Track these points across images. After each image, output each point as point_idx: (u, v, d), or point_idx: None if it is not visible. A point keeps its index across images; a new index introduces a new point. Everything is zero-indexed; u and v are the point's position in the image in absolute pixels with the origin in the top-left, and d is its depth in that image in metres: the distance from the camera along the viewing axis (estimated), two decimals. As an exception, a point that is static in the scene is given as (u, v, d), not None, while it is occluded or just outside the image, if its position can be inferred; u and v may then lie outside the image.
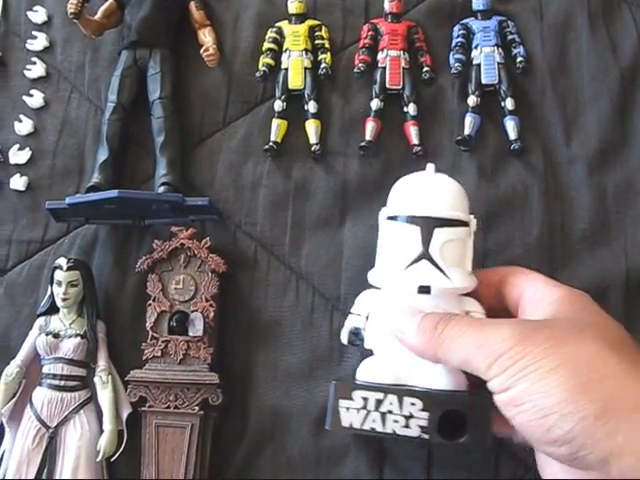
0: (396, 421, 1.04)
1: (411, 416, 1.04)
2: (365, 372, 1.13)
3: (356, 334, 1.18)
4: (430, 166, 1.18)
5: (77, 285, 1.34)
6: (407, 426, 1.04)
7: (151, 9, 1.47)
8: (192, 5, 1.52)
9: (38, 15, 1.61)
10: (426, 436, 1.03)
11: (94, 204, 1.37)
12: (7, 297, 1.45)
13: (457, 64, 1.41)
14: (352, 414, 1.06)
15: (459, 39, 1.44)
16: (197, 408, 1.26)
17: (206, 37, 1.49)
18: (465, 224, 1.15)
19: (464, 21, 1.46)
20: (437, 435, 1.03)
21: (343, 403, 1.07)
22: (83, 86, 1.55)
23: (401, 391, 1.06)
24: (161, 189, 1.37)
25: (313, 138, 1.41)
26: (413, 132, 1.40)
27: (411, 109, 1.40)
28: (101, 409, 1.32)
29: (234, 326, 1.35)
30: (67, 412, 1.30)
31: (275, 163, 1.43)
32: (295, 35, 1.46)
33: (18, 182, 1.50)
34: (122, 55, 1.49)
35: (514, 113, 1.38)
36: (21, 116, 1.54)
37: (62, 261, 1.35)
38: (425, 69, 1.43)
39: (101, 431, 1.30)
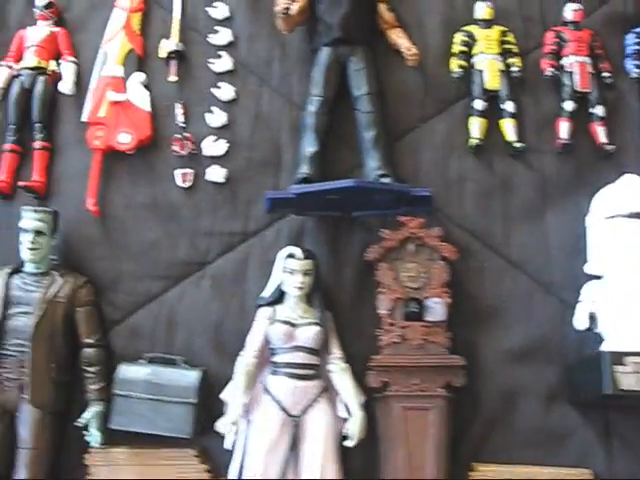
0: None
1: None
2: (615, 347, 1.25)
3: (592, 319, 1.32)
4: (631, 176, 1.40)
5: (311, 274, 1.35)
6: (678, 384, 1.18)
7: (351, 7, 1.51)
8: (382, 6, 1.57)
9: (218, 11, 1.61)
10: None
11: (316, 195, 1.39)
12: (215, 290, 1.44)
13: (637, 70, 1.54)
14: (628, 378, 1.19)
15: (634, 46, 1.57)
16: (442, 390, 1.31)
17: (400, 38, 1.55)
18: None
19: (638, 30, 1.59)
20: None
21: (618, 369, 1.20)
22: (273, 81, 1.57)
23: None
24: (384, 180, 1.40)
25: (512, 136, 1.50)
26: (601, 132, 1.51)
27: (599, 110, 1.52)
28: (333, 397, 1.34)
29: (456, 312, 1.39)
30: (308, 401, 1.31)
31: (478, 159, 1.50)
32: (488, 39, 1.55)
33: (217, 174, 1.49)
34: (322, 52, 1.52)
35: (690, 113, 1.53)
36: (213, 108, 1.53)
37: (296, 250, 1.36)
38: (605, 74, 1.55)
39: (338, 418, 1.32)
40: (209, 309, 1.43)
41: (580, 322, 1.33)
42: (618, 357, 1.21)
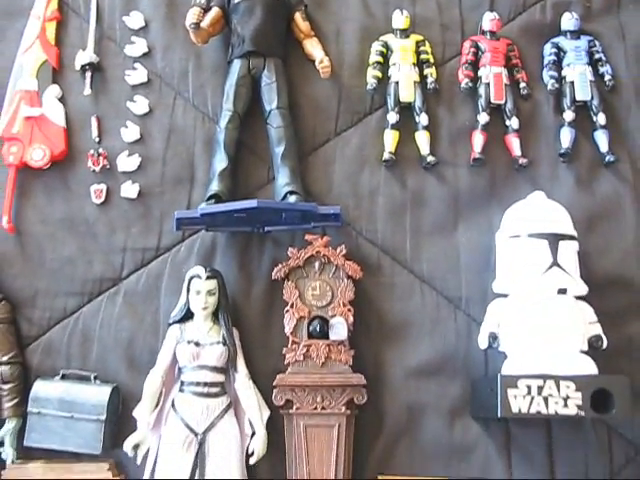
0: (556, 403, 1.21)
1: (568, 397, 1.21)
2: (515, 367, 1.27)
3: (494, 338, 1.34)
4: (540, 193, 1.39)
5: (215, 294, 1.37)
6: (566, 406, 1.21)
7: (263, 19, 1.50)
8: (298, 15, 1.55)
9: (134, 20, 1.60)
10: (582, 413, 1.20)
11: (224, 213, 1.40)
12: (127, 306, 1.46)
13: (552, 81, 1.53)
14: (519, 401, 1.22)
15: (551, 57, 1.56)
16: (344, 408, 1.34)
17: (315, 48, 1.54)
18: (575, 239, 1.35)
19: (555, 40, 1.57)
20: (592, 411, 1.20)
21: (511, 392, 1.22)
22: (188, 93, 1.56)
23: (557, 376, 1.22)
24: (292, 198, 1.40)
25: (425, 149, 1.50)
26: (515, 144, 1.51)
27: (514, 123, 1.51)
28: (239, 413, 1.37)
29: (364, 328, 1.42)
30: (213, 418, 1.34)
31: (390, 172, 1.51)
32: (404, 49, 1.54)
33: (130, 189, 1.50)
34: (234, 64, 1.51)
35: (605, 127, 1.52)
36: (127, 122, 1.53)
37: (200, 270, 1.37)
38: (522, 85, 1.54)
39: (243, 435, 1.36)
40: (122, 325, 1.45)
41: (481, 341, 1.35)
42: (512, 380, 1.22)
